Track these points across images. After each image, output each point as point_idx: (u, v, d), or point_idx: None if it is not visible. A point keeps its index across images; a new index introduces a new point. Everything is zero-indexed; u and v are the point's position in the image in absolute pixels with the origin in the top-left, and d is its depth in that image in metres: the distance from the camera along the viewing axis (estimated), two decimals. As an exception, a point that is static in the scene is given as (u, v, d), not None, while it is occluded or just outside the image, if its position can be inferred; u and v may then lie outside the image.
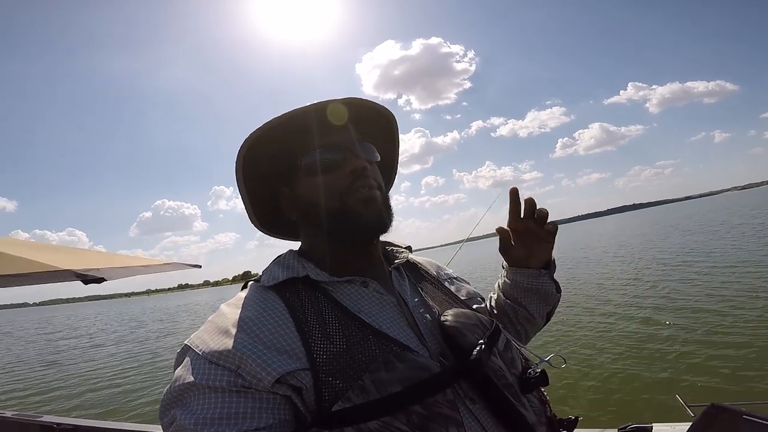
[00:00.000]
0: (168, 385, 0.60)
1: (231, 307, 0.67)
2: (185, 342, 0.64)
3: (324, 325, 0.64)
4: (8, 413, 2.94)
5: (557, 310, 1.00)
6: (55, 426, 2.71)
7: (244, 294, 0.71)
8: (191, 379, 0.57)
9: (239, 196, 0.76)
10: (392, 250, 0.87)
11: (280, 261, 0.75)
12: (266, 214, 0.81)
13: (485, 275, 19.58)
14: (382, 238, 0.80)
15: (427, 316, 0.73)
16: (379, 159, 0.79)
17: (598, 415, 4.36)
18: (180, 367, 0.61)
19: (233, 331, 0.61)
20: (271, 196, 0.79)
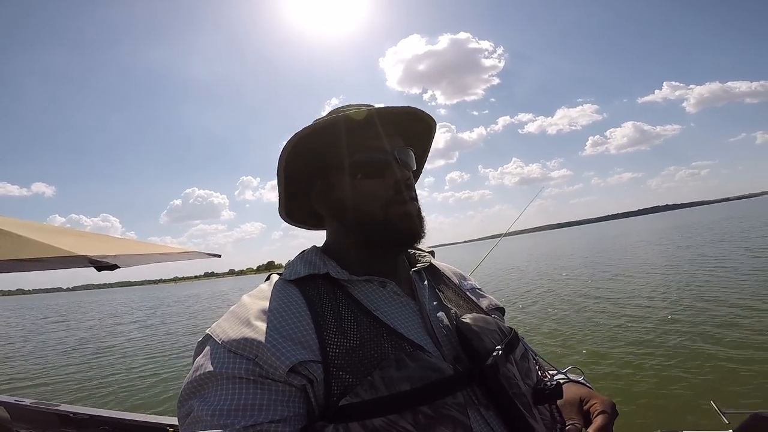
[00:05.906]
0: (188, 375, 0.61)
1: (252, 299, 0.69)
2: (207, 331, 0.66)
3: (340, 320, 0.65)
4: (27, 401, 3.06)
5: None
6: (71, 415, 2.80)
7: (265, 286, 0.73)
8: (210, 368, 0.59)
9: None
10: (415, 253, 0.87)
11: (303, 257, 0.77)
12: (294, 205, 0.82)
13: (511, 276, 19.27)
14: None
15: (444, 319, 0.72)
16: (415, 167, 0.79)
17: (626, 421, 4.23)
18: (200, 356, 0.63)
19: (253, 321, 0.63)
20: (304, 186, 0.79)
